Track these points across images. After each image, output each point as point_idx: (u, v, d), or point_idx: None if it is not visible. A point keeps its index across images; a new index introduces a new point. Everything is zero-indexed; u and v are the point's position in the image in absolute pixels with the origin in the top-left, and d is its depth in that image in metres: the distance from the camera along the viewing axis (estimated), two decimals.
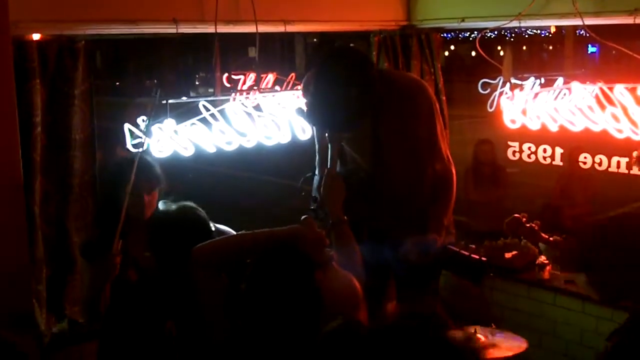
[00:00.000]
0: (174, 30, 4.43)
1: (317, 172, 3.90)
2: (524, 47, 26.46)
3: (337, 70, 3.39)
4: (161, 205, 3.26)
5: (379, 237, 3.53)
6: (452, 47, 25.04)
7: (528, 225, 3.35)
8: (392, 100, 3.49)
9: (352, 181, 3.46)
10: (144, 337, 3.52)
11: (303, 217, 2.73)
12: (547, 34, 23.72)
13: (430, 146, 3.62)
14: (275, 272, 2.46)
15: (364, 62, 3.49)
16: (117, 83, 19.04)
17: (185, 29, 4.53)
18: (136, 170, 3.49)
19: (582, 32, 4.73)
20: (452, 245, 3.40)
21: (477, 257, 3.29)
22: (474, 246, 3.36)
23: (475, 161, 7.17)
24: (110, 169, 3.86)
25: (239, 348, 2.47)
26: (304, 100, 4.02)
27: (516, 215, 3.39)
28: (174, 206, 3.14)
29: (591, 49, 22.25)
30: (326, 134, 3.63)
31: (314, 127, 4.00)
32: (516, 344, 4.53)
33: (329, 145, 3.53)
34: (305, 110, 3.93)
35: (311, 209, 3.84)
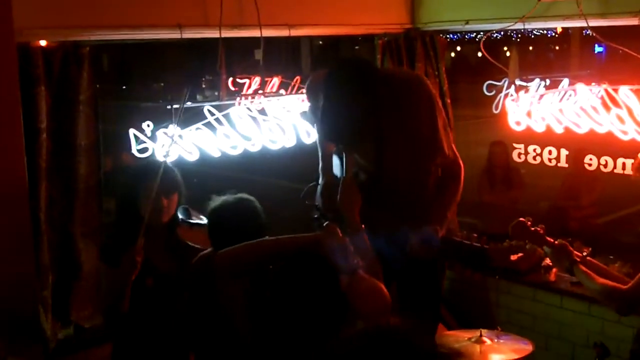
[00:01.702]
0: (178, 36, 4.44)
1: (320, 180, 3.88)
2: (531, 48, 26.38)
3: (345, 85, 3.37)
4: (220, 197, 3.24)
5: (382, 238, 3.53)
6: (459, 48, 25.00)
7: (533, 229, 3.33)
8: (392, 99, 3.47)
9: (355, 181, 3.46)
10: (160, 342, 3.54)
11: (325, 223, 2.72)
12: (553, 34, 23.66)
13: (432, 141, 3.60)
14: (300, 279, 2.46)
15: (371, 73, 3.48)
16: (124, 87, 19.07)
17: (190, 34, 4.53)
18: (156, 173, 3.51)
19: (589, 31, 4.72)
20: (454, 236, 3.39)
21: (479, 245, 3.28)
22: (475, 235, 3.34)
23: (489, 163, 7.17)
24: (130, 172, 3.86)
25: (263, 353, 2.47)
26: (309, 105, 4.01)
27: (521, 219, 3.37)
28: (232, 198, 3.13)
29: (598, 49, 22.19)
30: (339, 145, 3.61)
31: (319, 135, 3.99)
32: (522, 347, 4.52)
33: (344, 154, 3.50)
34: (314, 121, 3.92)
35: (315, 217, 3.83)
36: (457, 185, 3.74)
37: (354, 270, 2.60)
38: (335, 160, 3.83)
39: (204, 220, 3.70)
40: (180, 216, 3.66)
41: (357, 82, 3.36)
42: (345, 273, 2.54)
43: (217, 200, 3.14)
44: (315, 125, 3.99)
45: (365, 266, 3.03)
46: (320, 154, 3.94)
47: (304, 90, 4.11)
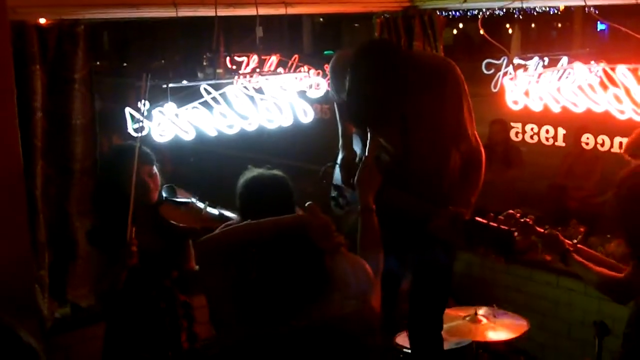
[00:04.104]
0: (173, 14, 4.41)
1: (340, 156, 3.87)
2: (533, 25, 26.27)
3: (374, 69, 3.33)
4: (256, 170, 3.22)
5: (401, 220, 3.53)
6: (461, 25, 24.88)
7: (522, 220, 3.31)
8: (419, 83, 3.44)
9: (377, 164, 3.44)
10: (149, 320, 3.56)
11: (307, 203, 2.72)
12: (556, 12, 23.53)
13: (457, 128, 3.58)
14: (284, 260, 2.46)
15: (400, 56, 3.44)
16: (125, 64, 19.04)
17: (185, 12, 4.50)
18: (132, 157, 3.50)
19: (591, 8, 4.69)
20: (479, 217, 3.36)
21: (506, 227, 3.25)
22: (502, 217, 3.31)
23: (488, 141, 7.15)
24: (107, 157, 3.86)
25: (249, 337, 2.48)
26: (331, 84, 3.98)
27: (510, 211, 3.35)
28: (268, 172, 3.12)
29: (600, 26, 22.08)
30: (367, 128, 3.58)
31: (338, 113, 3.97)
32: (518, 325, 4.55)
33: (369, 137, 3.48)
34: (335, 99, 3.91)
35: (332, 196, 3.83)
36: (479, 172, 3.72)
37: (337, 248, 2.60)
38: (356, 139, 3.83)
39: (190, 200, 3.69)
40: (164, 195, 3.66)
41: (386, 65, 3.33)
42: (329, 252, 2.54)
43: (252, 172, 3.14)
44: (336, 103, 3.97)
45: (365, 248, 3.05)
46: (340, 132, 3.92)
47: (328, 69, 4.08)
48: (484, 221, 3.27)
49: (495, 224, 3.25)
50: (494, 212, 3.41)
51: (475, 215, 3.33)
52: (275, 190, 3.05)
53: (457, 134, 3.60)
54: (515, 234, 3.24)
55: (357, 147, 3.84)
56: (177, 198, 3.67)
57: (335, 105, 3.98)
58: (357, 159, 3.75)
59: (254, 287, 2.44)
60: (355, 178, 3.36)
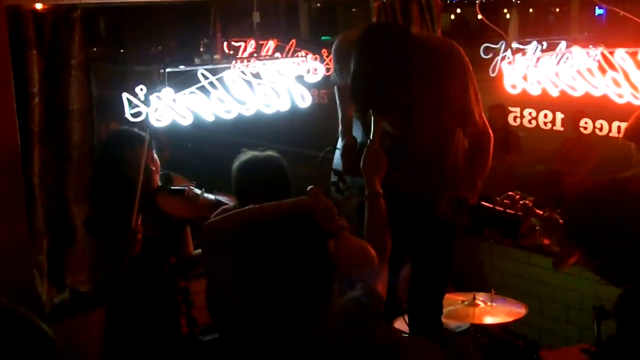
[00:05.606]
0: None
1: (340, 141, 3.86)
2: (531, 10, 26.21)
3: (382, 52, 3.31)
4: (249, 152, 3.18)
5: (402, 203, 3.53)
6: (458, 10, 24.80)
7: (521, 202, 3.31)
8: (423, 66, 3.42)
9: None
10: (150, 306, 3.57)
11: (309, 187, 2.72)
12: None
13: (462, 109, 3.57)
14: (287, 244, 2.46)
15: (407, 39, 3.41)
16: (122, 50, 18.97)
17: None
18: (133, 143, 3.48)
19: None
20: (485, 201, 3.36)
21: (513, 212, 3.25)
22: (508, 201, 3.31)
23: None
24: (105, 143, 3.84)
25: (253, 321, 2.48)
26: (333, 67, 3.95)
27: (509, 193, 3.34)
28: (261, 154, 3.13)
29: (598, 11, 22.02)
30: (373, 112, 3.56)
31: (339, 97, 3.94)
32: (516, 310, 4.56)
33: (373, 120, 3.46)
34: (337, 82, 3.88)
35: (332, 181, 3.82)
36: (487, 155, 3.72)
37: (339, 231, 2.60)
38: (356, 123, 3.81)
39: (186, 187, 3.68)
40: (159, 182, 3.63)
41: (392, 48, 3.30)
42: (332, 235, 2.54)
43: (246, 154, 3.13)
44: (336, 87, 3.94)
45: (373, 233, 3.05)
46: (340, 117, 3.90)
47: (325, 54, 4.05)
48: (490, 205, 3.27)
49: (501, 208, 3.25)
50: (493, 196, 3.41)
51: (479, 199, 3.34)
52: (270, 170, 3.05)
53: (463, 116, 3.58)
54: (521, 214, 3.24)
55: (356, 131, 3.82)
56: (173, 186, 3.65)
57: (336, 89, 3.95)
58: (358, 145, 3.74)
59: (257, 271, 2.44)
60: (361, 163, 3.34)
